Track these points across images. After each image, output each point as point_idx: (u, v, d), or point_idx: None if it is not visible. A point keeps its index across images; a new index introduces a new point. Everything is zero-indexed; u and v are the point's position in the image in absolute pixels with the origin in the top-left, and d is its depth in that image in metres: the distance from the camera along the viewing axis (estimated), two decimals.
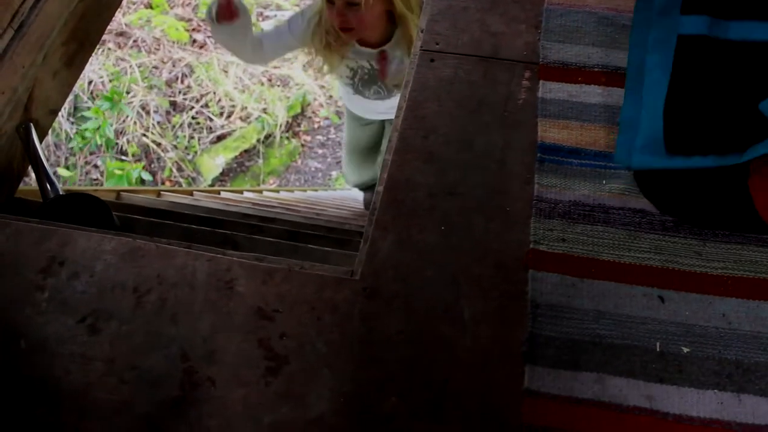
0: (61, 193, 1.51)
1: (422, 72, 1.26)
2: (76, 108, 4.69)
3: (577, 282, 1.04)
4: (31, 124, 1.53)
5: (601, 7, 1.35)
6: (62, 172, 4.36)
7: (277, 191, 4.22)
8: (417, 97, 1.23)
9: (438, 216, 1.10)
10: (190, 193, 3.07)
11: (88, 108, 4.66)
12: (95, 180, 4.52)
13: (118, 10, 1.98)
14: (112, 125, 4.64)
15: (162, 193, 2.77)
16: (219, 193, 3.41)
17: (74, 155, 4.55)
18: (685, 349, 0.98)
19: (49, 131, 1.83)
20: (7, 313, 1.05)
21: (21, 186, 1.61)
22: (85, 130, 4.48)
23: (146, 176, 4.53)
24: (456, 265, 1.05)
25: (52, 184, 1.51)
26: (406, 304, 1.02)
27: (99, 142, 4.51)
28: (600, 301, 1.02)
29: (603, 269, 1.05)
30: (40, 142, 1.55)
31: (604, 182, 1.14)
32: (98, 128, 4.46)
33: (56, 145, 4.48)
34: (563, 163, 1.16)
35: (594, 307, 1.02)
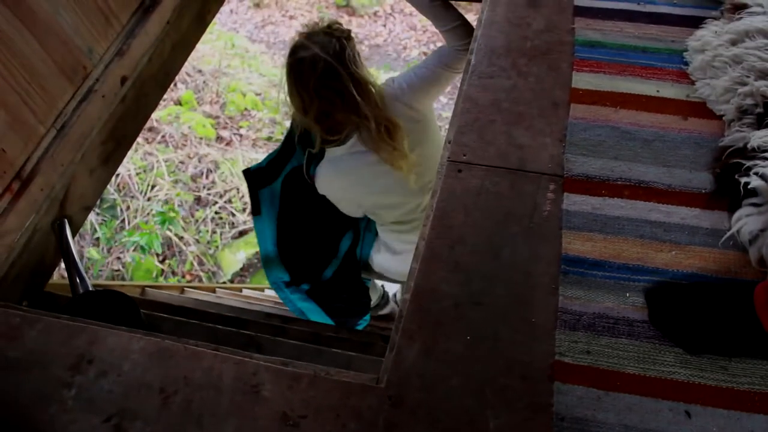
0: (90, 288, 1.53)
1: (450, 182, 1.29)
2: (102, 199, 4.78)
3: (602, 395, 1.04)
4: (66, 221, 1.57)
5: (624, 122, 1.39)
6: (92, 252, 4.43)
7: None
8: (444, 207, 1.26)
9: (464, 326, 1.11)
10: (213, 290, 3.10)
11: (114, 199, 4.75)
12: (116, 271, 4.57)
13: None
14: (135, 217, 4.73)
15: (185, 289, 2.79)
16: (241, 291, 3.43)
17: (98, 246, 4.61)
18: None
19: None
20: (32, 409, 1.06)
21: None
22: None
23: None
24: (481, 375, 1.05)
25: (82, 279, 1.54)
26: (431, 413, 1.02)
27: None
28: (626, 416, 1.02)
29: (628, 382, 1.05)
30: (73, 238, 1.59)
31: (627, 295, 1.15)
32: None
33: (81, 235, 4.55)
34: (587, 275, 1.17)
35: (619, 421, 1.01)
